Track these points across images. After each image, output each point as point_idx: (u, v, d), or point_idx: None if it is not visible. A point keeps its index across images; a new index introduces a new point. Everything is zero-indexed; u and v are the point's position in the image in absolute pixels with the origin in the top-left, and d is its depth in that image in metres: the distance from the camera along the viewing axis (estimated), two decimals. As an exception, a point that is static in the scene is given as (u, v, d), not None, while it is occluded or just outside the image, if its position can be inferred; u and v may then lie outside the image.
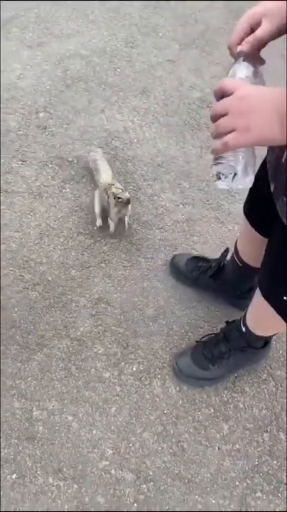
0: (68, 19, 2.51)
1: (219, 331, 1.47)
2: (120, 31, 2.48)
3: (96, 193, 1.78)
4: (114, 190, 1.62)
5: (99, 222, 1.76)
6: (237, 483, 1.33)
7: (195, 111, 2.21)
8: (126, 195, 1.60)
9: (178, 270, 1.66)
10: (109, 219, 1.73)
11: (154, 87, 2.28)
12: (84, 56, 2.35)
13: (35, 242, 1.73)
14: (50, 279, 1.65)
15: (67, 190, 1.89)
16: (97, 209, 1.76)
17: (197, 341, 1.49)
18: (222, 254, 1.56)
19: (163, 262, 1.73)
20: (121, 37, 2.46)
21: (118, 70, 2.32)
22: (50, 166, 1.95)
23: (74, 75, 2.26)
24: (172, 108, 2.20)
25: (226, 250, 1.55)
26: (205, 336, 1.49)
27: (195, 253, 1.73)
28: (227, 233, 1.82)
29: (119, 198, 1.60)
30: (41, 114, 2.11)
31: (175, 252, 1.73)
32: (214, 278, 1.57)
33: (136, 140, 2.07)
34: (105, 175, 1.75)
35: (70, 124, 2.09)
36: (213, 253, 1.71)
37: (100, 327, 1.56)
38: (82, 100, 2.18)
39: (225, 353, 1.41)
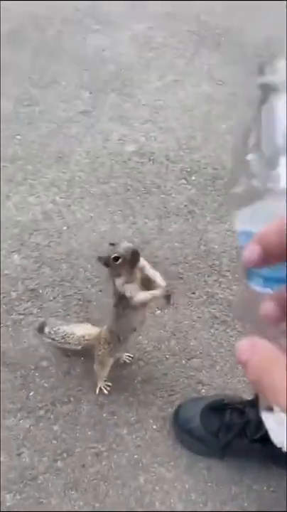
0: None
1: None
2: (11, 88, 1.87)
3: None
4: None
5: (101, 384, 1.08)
6: None
7: (134, 169, 1.61)
8: (123, 246, 0.90)
9: (190, 435, 0.98)
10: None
11: (72, 149, 1.67)
12: None
13: None
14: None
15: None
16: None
17: None
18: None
19: (156, 420, 1.04)
20: (13, 95, 1.85)
21: (17, 137, 1.69)
22: None
23: None
24: (103, 172, 1.60)
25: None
26: None
27: (210, 395, 1.06)
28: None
29: (116, 257, 0.89)
30: None
31: (175, 399, 1.05)
32: (262, 441, 0.90)
33: (65, 228, 1.42)
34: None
35: None
36: (230, 384, 1.07)
37: None
38: (-26, 189, 1.51)
39: None
